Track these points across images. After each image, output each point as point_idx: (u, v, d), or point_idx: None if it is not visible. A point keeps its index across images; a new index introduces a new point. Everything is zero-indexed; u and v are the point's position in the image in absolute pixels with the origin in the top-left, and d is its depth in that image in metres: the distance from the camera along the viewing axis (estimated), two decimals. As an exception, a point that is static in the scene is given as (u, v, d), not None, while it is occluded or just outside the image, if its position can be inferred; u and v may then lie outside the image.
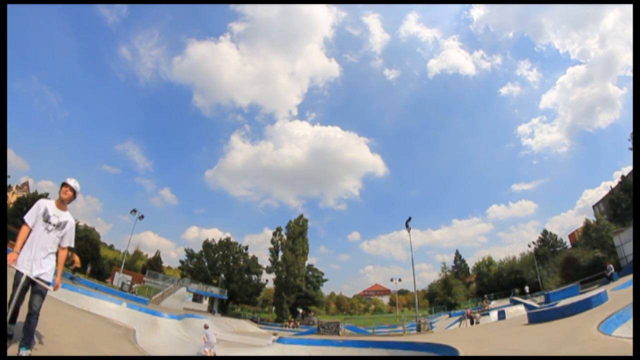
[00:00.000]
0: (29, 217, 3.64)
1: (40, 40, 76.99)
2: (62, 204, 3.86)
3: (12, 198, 44.86)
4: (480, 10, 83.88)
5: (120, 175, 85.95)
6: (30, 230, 3.62)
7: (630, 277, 15.39)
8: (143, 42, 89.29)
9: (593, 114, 78.14)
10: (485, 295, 36.84)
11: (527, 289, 35.53)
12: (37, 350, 4.34)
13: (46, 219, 3.68)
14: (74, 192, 3.92)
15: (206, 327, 12.29)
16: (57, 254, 3.83)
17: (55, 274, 3.81)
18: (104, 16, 78.64)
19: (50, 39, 79.35)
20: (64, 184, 3.86)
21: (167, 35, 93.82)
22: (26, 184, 55.44)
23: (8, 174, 38.77)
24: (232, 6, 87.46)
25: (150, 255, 55.97)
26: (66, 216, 3.86)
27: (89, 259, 37.51)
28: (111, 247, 57.32)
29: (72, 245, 3.94)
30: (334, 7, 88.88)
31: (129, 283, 33.27)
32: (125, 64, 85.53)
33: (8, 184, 42.14)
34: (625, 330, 6.42)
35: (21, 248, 3.50)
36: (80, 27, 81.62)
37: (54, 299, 9.07)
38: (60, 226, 3.75)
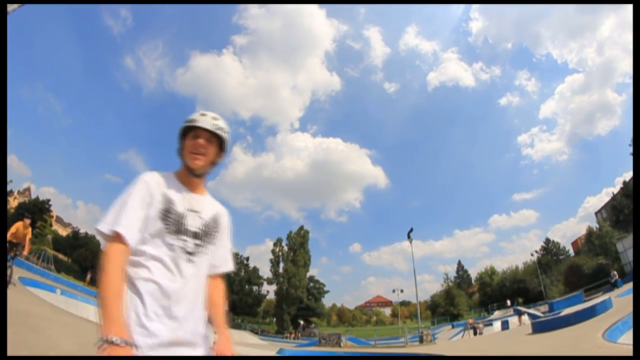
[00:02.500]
0: (127, 226, 1.20)
1: (47, 48, 77.75)
2: (191, 175, 1.42)
3: (13, 203, 44.91)
4: (479, 23, 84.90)
5: (122, 184, 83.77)
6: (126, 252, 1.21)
7: (634, 285, 15.21)
8: (147, 53, 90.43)
9: (592, 121, 78.34)
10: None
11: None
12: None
13: (177, 224, 1.30)
14: (222, 142, 1.44)
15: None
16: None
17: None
18: (109, 26, 79.59)
19: (56, 46, 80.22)
20: (194, 129, 1.38)
21: (171, 47, 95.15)
22: (28, 189, 55.30)
23: (10, 179, 38.89)
24: (234, 19, 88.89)
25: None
26: (212, 205, 1.49)
27: (89, 267, 37.29)
28: (111, 257, 56.84)
29: (232, 267, 1.54)
30: (335, 21, 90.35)
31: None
32: (129, 74, 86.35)
33: (10, 189, 42.21)
34: (631, 337, 6.33)
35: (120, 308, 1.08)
36: (86, 36, 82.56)
37: (52, 306, 9.02)
38: (209, 232, 1.39)
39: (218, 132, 1.38)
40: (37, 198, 45.61)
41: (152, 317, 1.15)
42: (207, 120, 1.38)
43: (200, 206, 1.41)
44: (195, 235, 1.33)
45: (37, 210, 41.28)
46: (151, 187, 1.32)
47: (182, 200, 1.36)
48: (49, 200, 45.34)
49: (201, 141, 1.37)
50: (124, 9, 74.00)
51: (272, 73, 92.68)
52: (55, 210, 51.32)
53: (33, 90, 75.29)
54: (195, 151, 1.38)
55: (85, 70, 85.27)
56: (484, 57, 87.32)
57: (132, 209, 1.24)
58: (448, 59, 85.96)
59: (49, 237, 36.19)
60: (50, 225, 44.94)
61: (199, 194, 1.45)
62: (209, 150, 1.40)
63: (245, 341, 28.53)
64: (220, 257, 1.46)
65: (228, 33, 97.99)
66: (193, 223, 1.34)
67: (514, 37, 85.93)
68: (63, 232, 53.47)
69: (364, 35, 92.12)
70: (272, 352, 15.41)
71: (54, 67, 79.16)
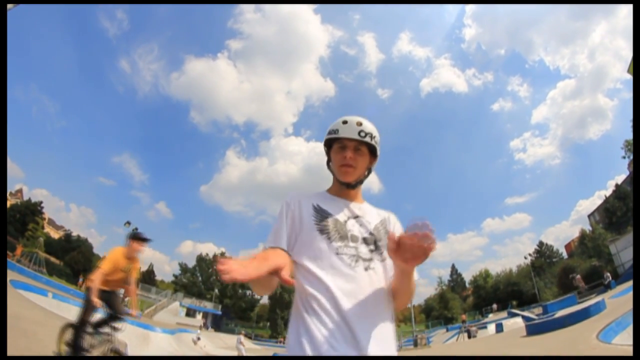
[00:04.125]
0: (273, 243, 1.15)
1: (42, 49, 77.87)
2: (346, 188, 1.29)
3: (5, 206, 44.26)
4: (472, 30, 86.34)
5: (115, 187, 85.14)
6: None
7: (628, 284, 15.38)
8: (143, 56, 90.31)
9: (584, 126, 79.85)
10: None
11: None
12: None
13: (340, 232, 1.18)
14: (372, 150, 1.28)
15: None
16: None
17: None
18: (105, 28, 79.76)
19: (51, 47, 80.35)
20: (338, 139, 1.26)
21: (167, 51, 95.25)
22: (20, 191, 54.41)
23: (2, 182, 38.44)
24: (229, 24, 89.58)
25: (143, 268, 55.04)
26: (375, 211, 1.33)
27: (82, 270, 36.79)
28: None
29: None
30: (329, 27, 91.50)
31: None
32: (124, 77, 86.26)
33: (1, 191, 41.63)
34: (625, 337, 6.38)
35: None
36: (81, 37, 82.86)
37: (44, 309, 8.87)
38: (380, 236, 1.21)
39: (365, 140, 1.23)
40: (30, 200, 44.98)
41: (330, 335, 1.01)
42: (351, 128, 1.23)
43: (362, 212, 1.28)
44: (365, 241, 1.19)
45: (29, 213, 40.81)
46: (291, 206, 1.23)
47: (339, 210, 1.25)
48: (41, 203, 44.77)
49: (349, 154, 1.24)
50: (120, 11, 74.20)
51: (266, 78, 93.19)
52: (48, 213, 50.73)
53: (27, 91, 74.87)
54: (345, 164, 1.25)
55: (80, 72, 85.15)
56: (476, 63, 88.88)
57: (277, 229, 1.19)
58: (441, 65, 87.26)
59: (41, 239, 35.75)
60: (43, 227, 44.35)
61: (357, 202, 1.33)
62: (358, 161, 1.26)
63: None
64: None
65: (223, 37, 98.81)
66: (359, 229, 1.22)
67: (507, 44, 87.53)
68: (55, 235, 52.71)
69: (358, 41, 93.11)
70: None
71: (48, 68, 79.05)
